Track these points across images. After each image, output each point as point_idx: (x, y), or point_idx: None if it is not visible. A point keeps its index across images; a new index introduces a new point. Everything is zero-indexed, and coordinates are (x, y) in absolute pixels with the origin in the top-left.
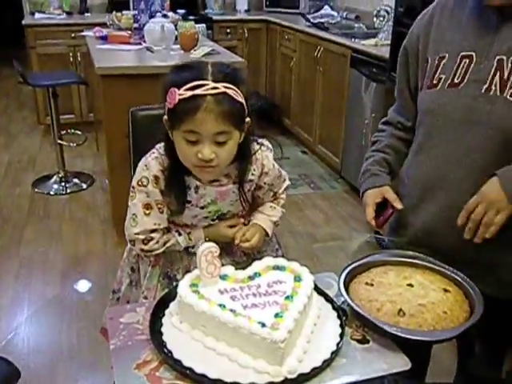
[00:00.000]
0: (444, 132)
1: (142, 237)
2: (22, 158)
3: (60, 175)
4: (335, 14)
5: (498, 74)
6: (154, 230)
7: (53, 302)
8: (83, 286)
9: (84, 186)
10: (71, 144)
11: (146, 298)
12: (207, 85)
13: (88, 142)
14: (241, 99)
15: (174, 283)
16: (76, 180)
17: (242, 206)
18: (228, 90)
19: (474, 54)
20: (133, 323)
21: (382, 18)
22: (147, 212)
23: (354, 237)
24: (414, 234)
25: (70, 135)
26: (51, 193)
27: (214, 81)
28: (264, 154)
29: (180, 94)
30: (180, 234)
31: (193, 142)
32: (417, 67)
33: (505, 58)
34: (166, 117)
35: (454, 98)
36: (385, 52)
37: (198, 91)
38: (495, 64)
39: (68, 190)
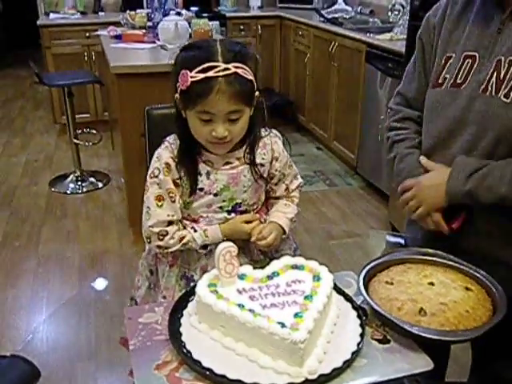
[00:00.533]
0: (443, 131)
1: (156, 230)
2: (38, 157)
3: (76, 174)
4: (349, 8)
5: (495, 74)
6: (168, 223)
7: (71, 301)
8: (101, 284)
9: (100, 184)
10: (87, 143)
11: (164, 297)
12: (218, 66)
13: (103, 140)
14: (251, 77)
15: (192, 284)
16: (92, 179)
17: (257, 192)
18: (238, 70)
19: (477, 54)
20: (151, 323)
21: (396, 12)
22: (159, 204)
23: (371, 234)
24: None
25: (86, 134)
26: (68, 192)
27: (224, 61)
28: (273, 139)
29: (192, 77)
30: (195, 231)
31: (206, 120)
32: (430, 60)
33: (503, 58)
34: (177, 95)
35: (456, 98)
36: (400, 46)
37: (209, 73)
38: (494, 64)
39: (84, 189)
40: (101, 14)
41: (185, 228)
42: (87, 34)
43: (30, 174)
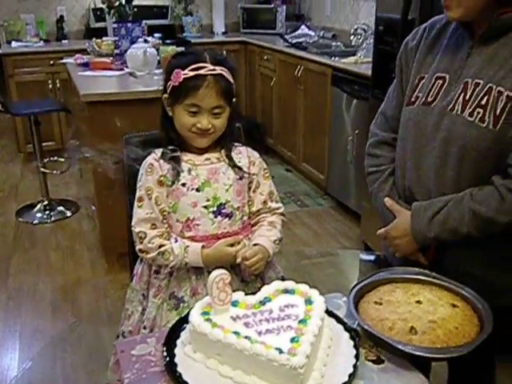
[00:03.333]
0: (416, 147)
1: (137, 230)
2: (3, 187)
3: (44, 203)
4: (312, 33)
5: (462, 94)
6: (151, 225)
7: (44, 334)
8: (75, 316)
9: (68, 213)
10: (55, 171)
11: (154, 318)
12: (207, 67)
13: (70, 168)
14: (232, 80)
15: (182, 304)
16: (61, 208)
17: (240, 195)
18: (223, 72)
19: (447, 75)
20: (145, 355)
21: (359, 36)
22: (139, 204)
23: (344, 253)
24: None
25: (52, 162)
26: (35, 222)
27: (212, 64)
28: (249, 149)
29: (184, 74)
30: (176, 241)
31: (193, 112)
32: (407, 81)
33: (470, 80)
34: (166, 95)
35: (426, 116)
36: (365, 69)
37: (200, 72)
38: (462, 86)
39: (53, 218)
40: (64, 41)
41: (168, 239)
42: (51, 62)
43: None
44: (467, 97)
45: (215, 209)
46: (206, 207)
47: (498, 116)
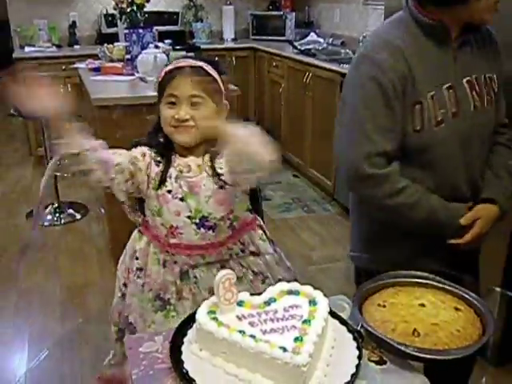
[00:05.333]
0: (465, 153)
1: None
2: (15, 189)
3: (54, 206)
4: (321, 40)
5: (474, 92)
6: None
7: (53, 335)
8: (83, 317)
9: (78, 216)
10: (65, 174)
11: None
12: (188, 61)
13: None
14: (216, 76)
15: (168, 307)
16: (70, 210)
17: (222, 205)
18: (205, 66)
19: (451, 83)
20: (152, 352)
21: None
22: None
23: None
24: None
25: (62, 165)
26: (46, 224)
27: (196, 60)
28: None
29: (165, 70)
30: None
31: (172, 103)
32: (403, 109)
33: (470, 78)
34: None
35: (463, 124)
36: None
37: (180, 64)
38: (467, 85)
39: (62, 221)
40: (76, 47)
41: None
42: (63, 67)
43: (6, 207)
44: (478, 90)
45: (197, 221)
46: (189, 217)
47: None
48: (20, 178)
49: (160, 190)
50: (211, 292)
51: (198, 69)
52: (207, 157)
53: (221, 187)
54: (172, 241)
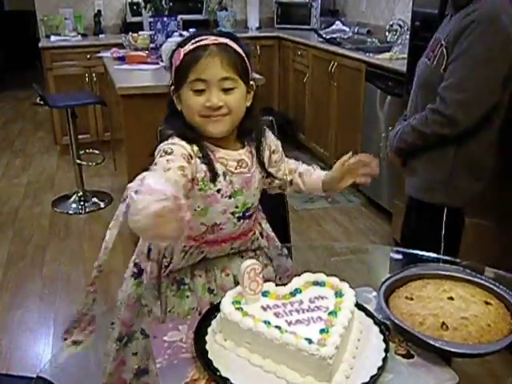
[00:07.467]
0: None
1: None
2: (40, 178)
3: (79, 194)
4: (347, 29)
5: (432, 48)
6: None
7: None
8: (107, 304)
9: (102, 204)
10: (90, 163)
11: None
12: (209, 38)
13: (105, 160)
14: (242, 53)
15: (182, 287)
16: (95, 199)
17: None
18: (229, 42)
19: (437, 35)
20: (176, 341)
21: (394, 32)
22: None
23: (374, 250)
24: None
25: (88, 154)
26: (70, 212)
27: (216, 36)
28: (266, 134)
29: (184, 50)
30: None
31: (200, 90)
32: None
33: (441, 37)
34: (172, 87)
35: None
36: (400, 65)
37: (201, 43)
38: (436, 42)
39: (87, 209)
40: (101, 36)
41: None
42: (88, 56)
43: (32, 195)
44: (433, 49)
45: (241, 214)
46: (232, 213)
47: (436, 57)
48: (45, 167)
49: (210, 190)
50: (224, 271)
51: (225, 46)
52: (252, 148)
53: (263, 176)
54: (210, 237)
